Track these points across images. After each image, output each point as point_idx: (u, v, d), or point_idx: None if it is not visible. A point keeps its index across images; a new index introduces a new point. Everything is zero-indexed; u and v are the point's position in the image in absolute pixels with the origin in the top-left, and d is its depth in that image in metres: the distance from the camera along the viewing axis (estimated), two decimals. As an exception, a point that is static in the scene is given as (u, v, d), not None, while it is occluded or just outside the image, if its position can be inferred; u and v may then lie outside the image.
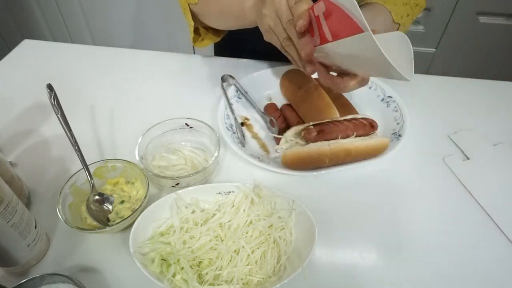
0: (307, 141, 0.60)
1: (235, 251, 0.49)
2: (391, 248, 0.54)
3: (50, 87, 0.55)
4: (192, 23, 0.74)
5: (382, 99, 0.73)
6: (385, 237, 0.55)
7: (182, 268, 0.47)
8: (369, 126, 0.62)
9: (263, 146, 0.68)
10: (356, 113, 0.68)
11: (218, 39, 0.82)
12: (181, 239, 0.51)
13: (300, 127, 0.62)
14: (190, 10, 0.73)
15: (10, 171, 0.55)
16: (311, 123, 0.61)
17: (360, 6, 0.65)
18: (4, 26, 1.80)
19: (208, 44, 0.81)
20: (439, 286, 0.50)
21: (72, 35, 1.85)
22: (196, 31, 0.78)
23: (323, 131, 0.59)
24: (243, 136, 0.67)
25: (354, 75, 0.52)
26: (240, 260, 0.48)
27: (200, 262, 0.49)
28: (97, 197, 0.55)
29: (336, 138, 0.60)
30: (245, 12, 0.63)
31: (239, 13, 0.64)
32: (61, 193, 0.53)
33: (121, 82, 0.81)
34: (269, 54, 0.73)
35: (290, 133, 0.62)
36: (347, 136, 0.61)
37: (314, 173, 0.61)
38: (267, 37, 0.58)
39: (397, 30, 0.70)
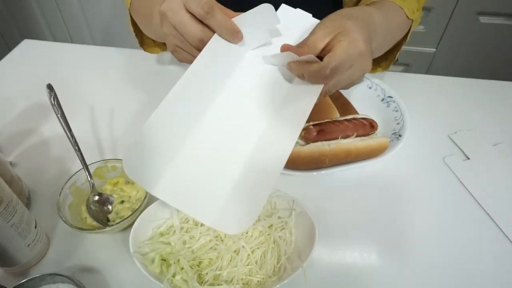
0: (307, 141, 0.60)
1: (235, 251, 0.49)
2: (391, 248, 0.54)
3: (50, 87, 0.55)
4: (132, 29, 0.71)
5: (382, 99, 0.73)
6: (385, 237, 0.55)
7: (182, 268, 0.47)
8: (369, 126, 0.62)
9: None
10: (356, 113, 0.68)
11: (164, 50, 0.78)
12: (181, 239, 0.51)
13: (300, 127, 0.62)
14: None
15: (10, 171, 0.55)
16: (311, 123, 0.61)
17: (370, 4, 0.60)
18: (4, 26, 1.80)
19: (159, 51, 0.77)
20: (439, 286, 0.50)
21: (72, 35, 1.85)
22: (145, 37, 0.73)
23: (323, 131, 0.59)
24: (243, 136, 0.67)
25: None
26: (240, 260, 0.48)
27: (200, 262, 0.49)
28: (97, 197, 0.55)
29: (336, 138, 0.60)
30: (154, 30, 0.58)
31: (152, 30, 0.60)
32: (61, 193, 0.53)
33: (121, 82, 0.81)
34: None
35: (290, 133, 0.62)
36: (347, 136, 0.61)
37: (314, 173, 0.61)
38: (178, 58, 0.53)
39: (411, 27, 0.65)
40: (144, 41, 0.74)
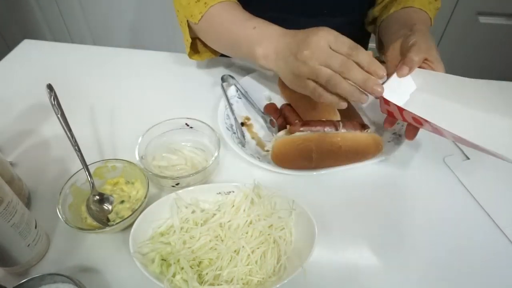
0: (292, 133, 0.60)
1: (235, 251, 0.49)
2: (391, 248, 0.54)
3: (50, 87, 0.55)
4: (189, 39, 0.73)
5: (382, 99, 0.73)
6: (385, 237, 0.55)
7: (182, 268, 0.47)
8: (359, 125, 0.61)
9: (259, 143, 0.68)
10: (357, 113, 0.68)
11: (217, 56, 0.80)
12: (181, 239, 0.51)
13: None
14: (189, 26, 0.72)
15: (10, 171, 0.55)
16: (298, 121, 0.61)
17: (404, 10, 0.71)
18: (4, 26, 1.80)
19: (206, 58, 0.80)
20: (439, 286, 0.50)
21: (72, 35, 1.85)
22: (193, 44, 0.76)
23: (308, 123, 0.59)
24: (243, 136, 0.67)
25: None
26: (240, 260, 0.48)
27: (200, 262, 0.49)
28: (97, 197, 0.55)
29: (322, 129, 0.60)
30: (257, 59, 0.62)
31: (247, 54, 0.64)
32: (61, 193, 0.53)
33: (121, 82, 0.81)
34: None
35: (281, 133, 0.62)
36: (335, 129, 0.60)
37: (314, 173, 0.61)
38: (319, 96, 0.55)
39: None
40: (197, 51, 0.78)
